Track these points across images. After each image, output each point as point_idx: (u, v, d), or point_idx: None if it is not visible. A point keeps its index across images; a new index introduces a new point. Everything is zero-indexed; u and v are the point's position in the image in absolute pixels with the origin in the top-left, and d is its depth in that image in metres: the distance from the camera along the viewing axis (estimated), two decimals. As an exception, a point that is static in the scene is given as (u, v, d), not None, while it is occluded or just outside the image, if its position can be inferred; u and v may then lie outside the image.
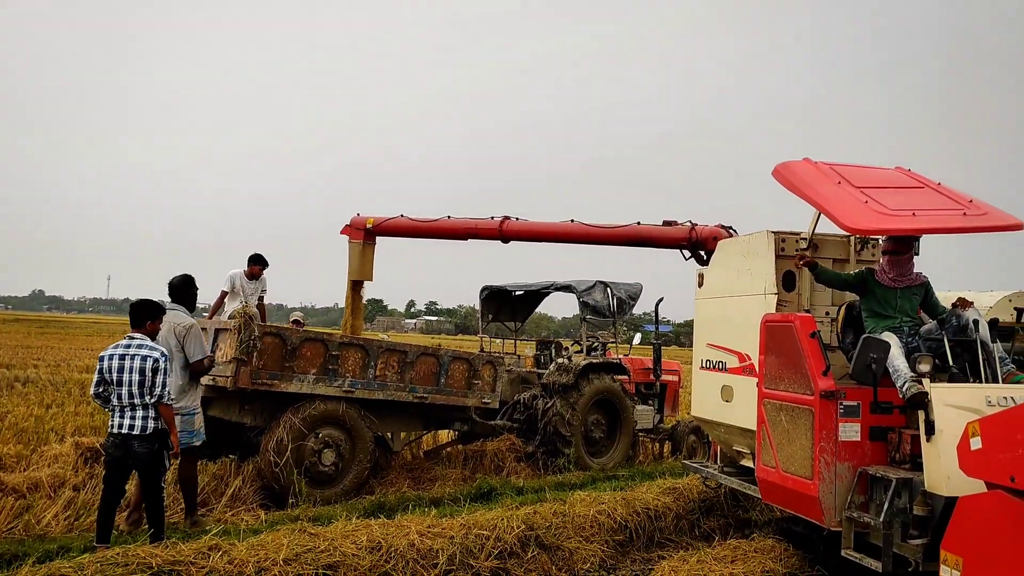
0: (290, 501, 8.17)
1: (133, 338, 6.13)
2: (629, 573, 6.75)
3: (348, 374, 9.01)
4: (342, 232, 11.10)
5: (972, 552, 4.47)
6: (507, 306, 13.76)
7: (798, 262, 6.65)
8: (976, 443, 4.53)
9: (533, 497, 8.30)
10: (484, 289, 13.37)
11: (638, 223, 8.77)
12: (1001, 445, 4.36)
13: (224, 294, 9.93)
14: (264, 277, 10.03)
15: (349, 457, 8.90)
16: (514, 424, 11.40)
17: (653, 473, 10.33)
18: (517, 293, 13.52)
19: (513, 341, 14.19)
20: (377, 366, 9.23)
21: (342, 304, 11.33)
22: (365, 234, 10.87)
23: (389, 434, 9.84)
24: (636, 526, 7.67)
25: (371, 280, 11.02)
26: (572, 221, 9.37)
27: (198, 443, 7.17)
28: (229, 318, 8.89)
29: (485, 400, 10.27)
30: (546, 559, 6.65)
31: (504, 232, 9.76)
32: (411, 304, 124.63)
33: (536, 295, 13.54)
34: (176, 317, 7.04)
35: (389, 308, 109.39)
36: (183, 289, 7.25)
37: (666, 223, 8.57)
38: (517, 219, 9.80)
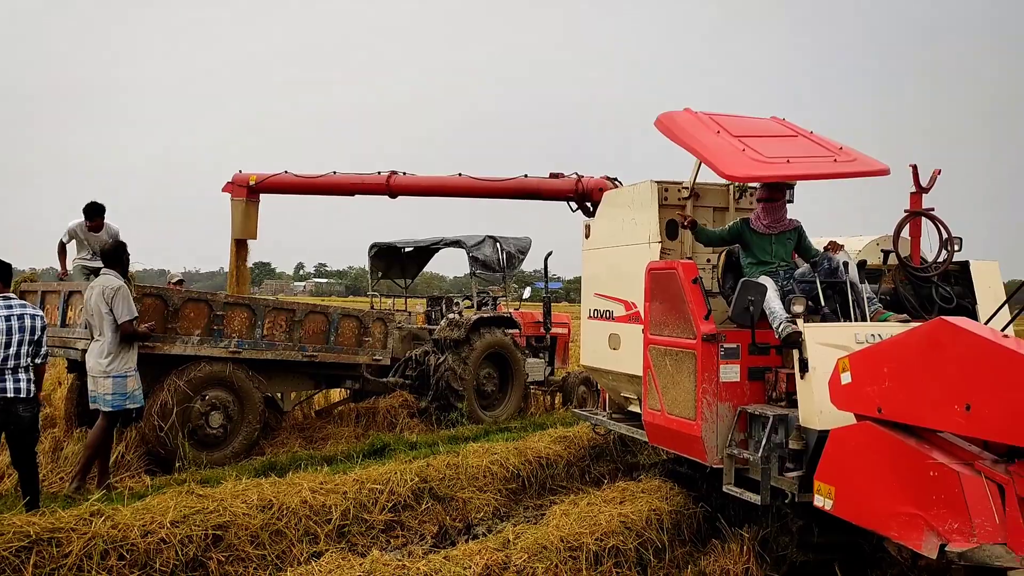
0: (177, 465, 7.84)
1: (8, 297, 5.72)
2: (522, 519, 6.77)
3: (234, 334, 8.65)
4: (224, 190, 10.59)
5: (843, 480, 4.64)
6: (397, 263, 13.50)
7: (683, 222, 6.70)
8: (846, 378, 4.68)
9: (426, 451, 8.21)
10: (373, 246, 13.06)
11: (525, 176, 8.68)
12: (868, 379, 4.51)
13: (63, 245, 9.19)
14: (110, 225, 9.16)
15: (238, 419, 8.58)
16: (406, 380, 11.25)
17: (545, 424, 10.41)
18: (407, 250, 13.28)
19: (404, 298, 13.98)
20: (264, 325, 8.88)
21: (228, 267, 10.84)
22: (248, 191, 10.41)
23: (279, 394, 9.56)
24: (528, 474, 7.71)
25: (255, 239, 10.59)
26: (460, 175, 9.20)
27: (132, 406, 7.02)
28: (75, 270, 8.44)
29: (376, 357, 10.07)
30: (440, 510, 6.59)
31: (391, 187, 9.49)
32: (300, 267, 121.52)
33: (426, 251, 13.33)
34: (107, 280, 6.94)
35: (277, 271, 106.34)
36: (115, 254, 7.20)
37: (553, 175, 8.51)
38: (404, 174, 9.54)
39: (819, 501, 4.81)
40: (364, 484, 6.43)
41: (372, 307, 12.27)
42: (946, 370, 4.02)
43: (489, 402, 11.67)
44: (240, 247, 10.54)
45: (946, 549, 3.78)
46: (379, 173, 9.63)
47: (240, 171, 10.53)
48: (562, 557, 5.19)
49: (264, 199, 10.57)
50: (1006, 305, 5.14)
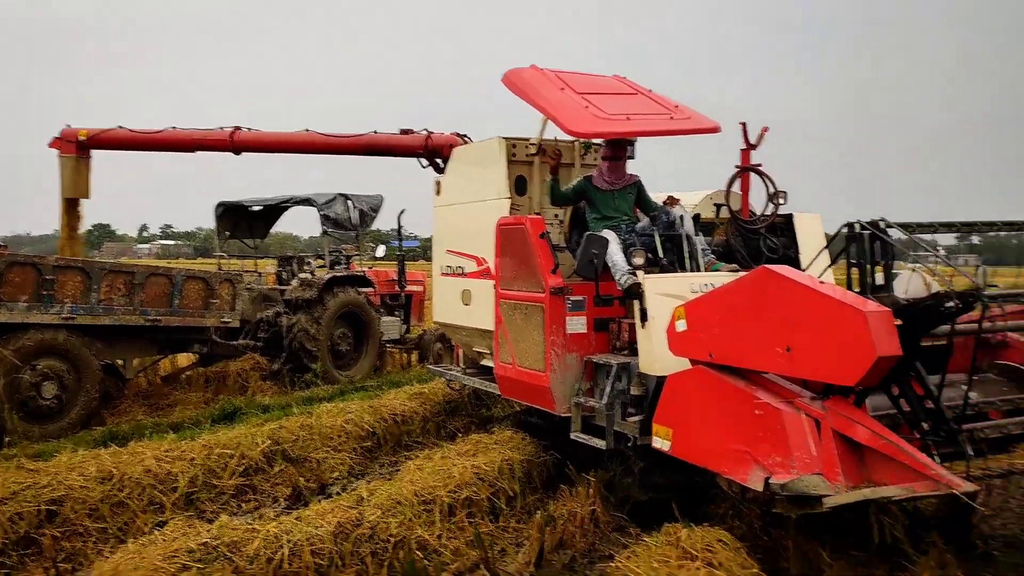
0: (5, 440, 7.29)
1: None
2: (377, 476, 6.76)
3: (67, 300, 8.09)
4: (51, 146, 9.83)
5: (679, 423, 4.90)
6: (245, 222, 12.95)
7: (554, 158, 6.71)
8: (681, 326, 4.93)
9: (279, 414, 8.02)
10: (219, 205, 12.46)
11: (374, 132, 8.50)
12: (701, 326, 4.77)
13: None
14: None
15: (74, 388, 8.11)
16: (258, 343, 10.90)
17: (401, 382, 10.38)
18: (254, 208, 12.75)
19: (254, 259, 13.47)
20: (101, 289, 8.35)
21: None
22: (78, 147, 9.72)
23: (121, 361, 9.06)
24: (384, 432, 7.69)
25: (87, 197, 9.92)
26: (307, 131, 8.89)
27: None
28: None
29: (225, 320, 9.69)
30: (294, 472, 6.48)
31: (235, 143, 9.06)
32: (144, 228, 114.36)
33: (275, 210, 12.85)
34: None
35: (118, 233, 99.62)
36: None
37: (403, 132, 8.38)
38: (249, 129, 9.12)
39: (657, 443, 5.06)
40: (213, 450, 6.22)
41: (220, 268, 11.75)
42: (769, 315, 4.29)
43: (344, 362, 11.51)
44: (71, 207, 9.87)
45: (770, 482, 4.05)
46: (221, 129, 9.16)
47: (68, 125, 9.78)
48: (416, 511, 5.22)
49: (102, 156, 9.89)
50: (825, 253, 5.50)
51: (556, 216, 7.37)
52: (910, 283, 5.60)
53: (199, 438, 6.57)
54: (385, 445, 7.66)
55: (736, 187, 6.77)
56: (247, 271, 12.41)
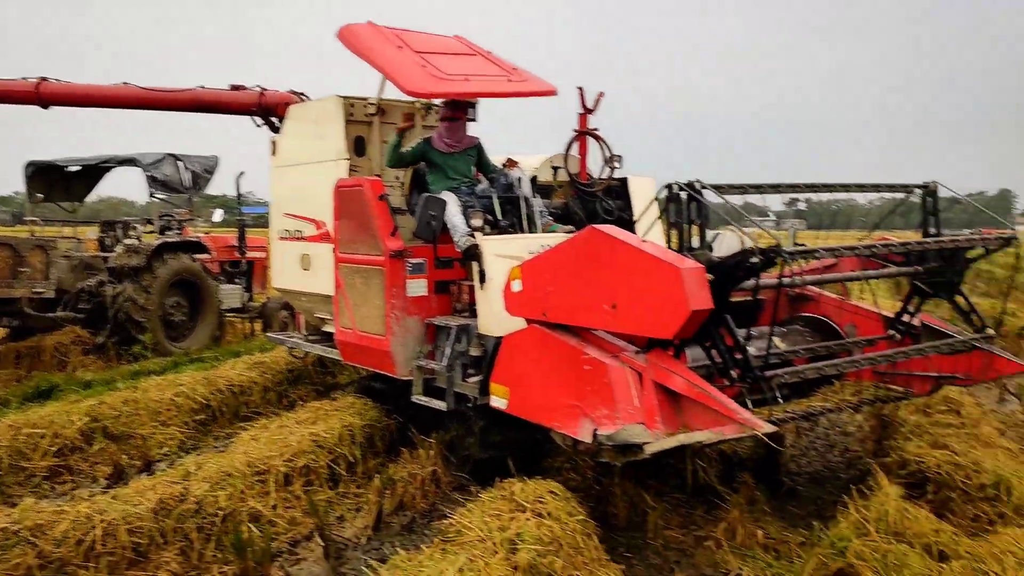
0: None
1: None
2: (210, 449, 6.53)
3: None
4: None
5: (515, 381, 5.00)
6: (61, 184, 11.98)
7: (406, 126, 6.62)
8: (517, 286, 5.01)
9: (102, 389, 7.56)
10: (29, 165, 11.44)
11: (202, 87, 8.05)
12: (535, 286, 4.86)
13: None
14: None
15: None
16: (79, 315, 10.19)
17: (242, 352, 10.03)
18: (71, 169, 11.81)
19: (72, 224, 12.52)
20: None
21: None
22: None
23: (-90, 339, 8.25)
24: (219, 404, 7.43)
25: None
26: (125, 84, 8.30)
27: None
28: None
29: (37, 290, 9.01)
30: (115, 449, 6.14)
31: (42, 96, 8.31)
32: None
33: (95, 171, 11.96)
34: None
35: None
36: None
37: (234, 87, 7.98)
38: (58, 80, 8.41)
39: (495, 402, 5.15)
40: (21, 430, 5.79)
41: (32, 235, 10.86)
42: (596, 274, 4.43)
43: (179, 333, 10.98)
44: None
45: (597, 433, 4.22)
46: (25, 79, 8.39)
47: None
48: (249, 482, 5.08)
49: None
50: (655, 214, 5.71)
51: (397, 178, 7.28)
52: (726, 242, 5.94)
53: (5, 418, 6.09)
54: (221, 418, 7.39)
55: (574, 150, 6.93)
56: (65, 237, 11.52)
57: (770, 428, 4.02)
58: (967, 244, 5.52)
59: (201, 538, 4.58)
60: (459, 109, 6.51)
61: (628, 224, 6.89)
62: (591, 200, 6.92)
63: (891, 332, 5.99)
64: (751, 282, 4.29)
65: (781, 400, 5.27)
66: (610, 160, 6.83)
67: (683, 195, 4.47)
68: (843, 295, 6.79)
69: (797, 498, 5.72)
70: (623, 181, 7.19)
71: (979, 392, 8.75)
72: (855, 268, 6.28)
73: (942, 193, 5.72)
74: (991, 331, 5.66)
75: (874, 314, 6.20)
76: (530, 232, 6.18)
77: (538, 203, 6.37)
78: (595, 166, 6.98)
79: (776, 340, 6.08)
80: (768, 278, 4.53)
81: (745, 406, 4.60)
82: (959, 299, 5.67)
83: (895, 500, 4.22)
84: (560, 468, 5.60)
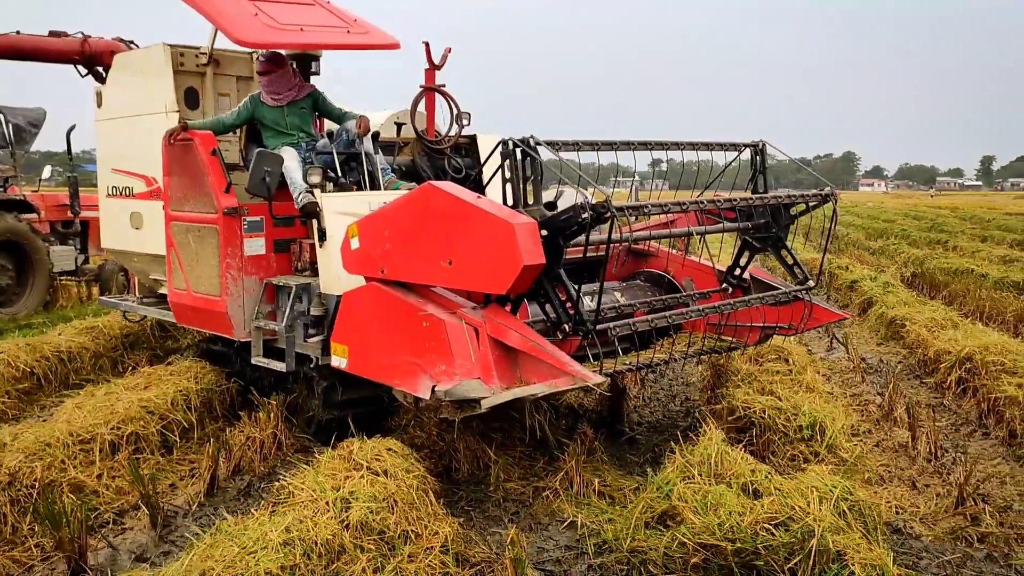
0: None
1: None
2: (34, 419, 6.16)
3: None
4: None
5: (355, 339, 4.97)
6: None
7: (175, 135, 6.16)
8: (355, 243, 4.96)
9: (-93, 361, 6.95)
10: None
11: (17, 32, 7.43)
12: (373, 242, 4.83)
13: None
14: None
15: None
16: None
17: (74, 317, 9.45)
18: None
19: None
20: None
21: None
22: None
23: None
24: (45, 371, 7.00)
25: None
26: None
27: None
28: None
29: None
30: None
31: None
32: None
33: None
34: None
35: None
36: None
37: (52, 34, 7.40)
38: None
39: (336, 361, 5.11)
40: None
41: None
42: (433, 230, 4.44)
43: (5, 298, 10.26)
44: None
45: (436, 389, 4.26)
46: None
47: None
48: (70, 452, 4.83)
49: None
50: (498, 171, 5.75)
51: (234, 132, 6.99)
52: (564, 200, 6.06)
53: None
54: (48, 386, 6.98)
55: (421, 107, 6.85)
56: None
57: (600, 379, 4.18)
58: (789, 201, 5.89)
59: (16, 511, 4.33)
60: (274, 63, 6.17)
61: (479, 183, 6.93)
62: (439, 158, 6.89)
63: (724, 285, 6.33)
64: (585, 238, 4.38)
65: (620, 352, 5.53)
66: (458, 117, 6.81)
67: (518, 152, 4.52)
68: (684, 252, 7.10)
69: (635, 446, 5.98)
70: (472, 139, 7.20)
71: (811, 341, 9.42)
72: (693, 225, 6.57)
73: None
74: (811, 283, 6.05)
75: (709, 268, 6.53)
76: (373, 189, 6.10)
77: (380, 160, 6.28)
78: (443, 122, 6.94)
79: (617, 295, 6.32)
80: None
81: (586, 359, 4.79)
82: (784, 253, 6.03)
83: (717, 444, 4.47)
84: (406, 426, 5.61)
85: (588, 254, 4.54)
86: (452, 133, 6.85)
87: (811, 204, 5.92)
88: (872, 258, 17.48)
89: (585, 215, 4.11)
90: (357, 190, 6.12)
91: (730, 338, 6.19)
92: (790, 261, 6.02)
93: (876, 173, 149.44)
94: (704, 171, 5.89)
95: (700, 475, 4.34)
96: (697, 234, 5.77)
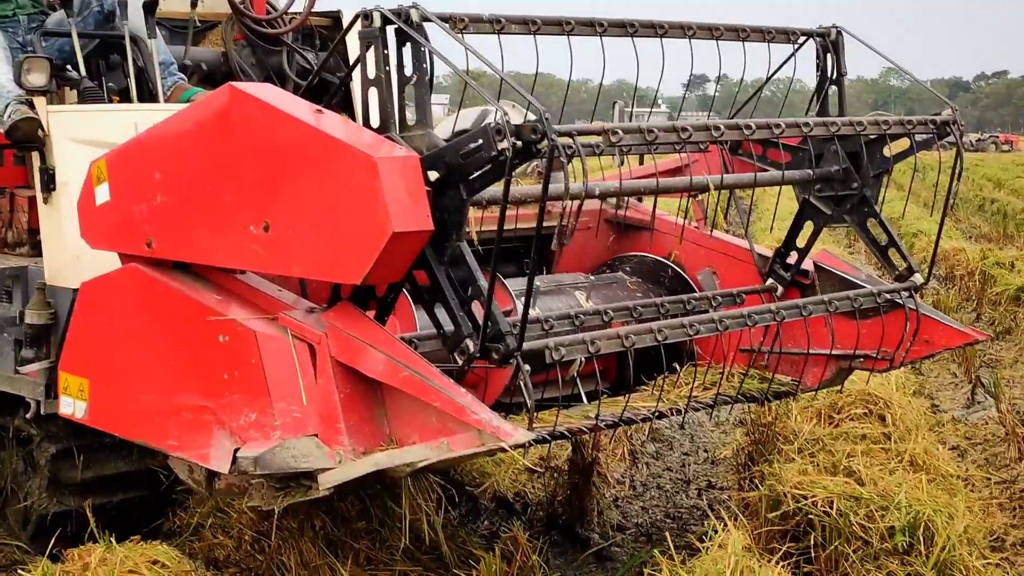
0: None
1: None
2: None
3: None
4: None
5: (100, 367, 4.83)
6: None
7: None
8: (103, 194, 4.77)
9: None
10: None
11: None
12: (134, 193, 4.64)
13: None
14: None
15: None
16: None
17: None
18: None
19: None
20: None
21: None
22: None
23: None
24: None
25: None
26: None
27: None
28: None
29: None
30: None
31: None
32: None
33: None
34: None
35: None
36: None
37: None
38: None
39: (67, 406, 4.99)
40: None
41: None
42: (236, 170, 4.26)
43: None
44: None
45: (239, 455, 4.10)
46: None
47: None
48: None
49: None
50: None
51: None
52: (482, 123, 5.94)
53: None
54: None
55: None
56: None
57: (526, 438, 4.02)
58: (881, 132, 5.62)
59: None
60: None
61: (347, 99, 6.82)
62: (275, 49, 6.98)
63: (770, 281, 6.23)
64: (504, 188, 4.21)
65: (584, 396, 5.41)
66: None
67: (391, 33, 4.36)
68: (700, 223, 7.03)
69: (607, 566, 5.94)
70: (335, 18, 7.14)
71: (940, 389, 9.47)
72: (715, 172, 6.46)
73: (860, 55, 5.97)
74: (919, 278, 5.90)
75: (745, 252, 6.43)
76: (144, 103, 6.04)
77: (161, 50, 6.21)
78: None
79: (579, 294, 6.21)
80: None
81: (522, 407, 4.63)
82: (873, 226, 5.92)
83: (735, 556, 4.39)
84: (198, 526, 5.56)
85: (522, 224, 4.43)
86: (297, 8, 6.84)
87: (918, 139, 5.76)
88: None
89: (503, 143, 3.91)
90: (119, 101, 6.04)
91: (781, 376, 6.06)
92: (884, 240, 5.93)
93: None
94: (744, 84, 5.74)
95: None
96: (717, 188, 5.66)
